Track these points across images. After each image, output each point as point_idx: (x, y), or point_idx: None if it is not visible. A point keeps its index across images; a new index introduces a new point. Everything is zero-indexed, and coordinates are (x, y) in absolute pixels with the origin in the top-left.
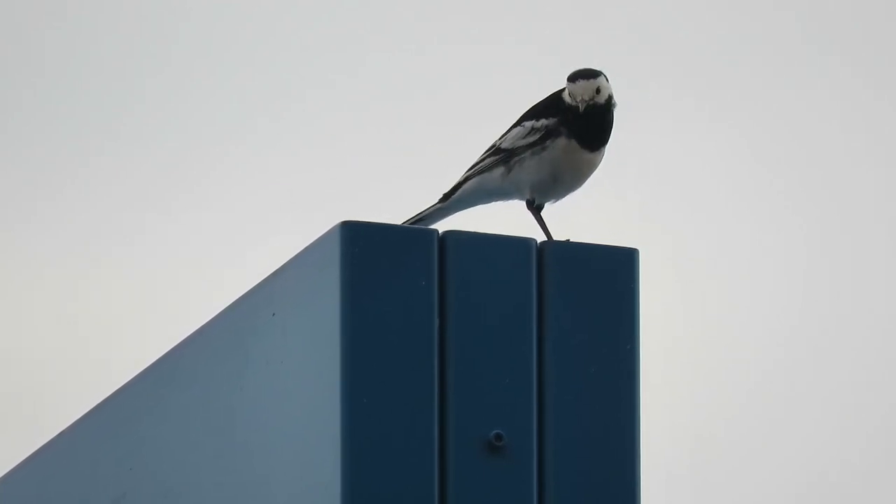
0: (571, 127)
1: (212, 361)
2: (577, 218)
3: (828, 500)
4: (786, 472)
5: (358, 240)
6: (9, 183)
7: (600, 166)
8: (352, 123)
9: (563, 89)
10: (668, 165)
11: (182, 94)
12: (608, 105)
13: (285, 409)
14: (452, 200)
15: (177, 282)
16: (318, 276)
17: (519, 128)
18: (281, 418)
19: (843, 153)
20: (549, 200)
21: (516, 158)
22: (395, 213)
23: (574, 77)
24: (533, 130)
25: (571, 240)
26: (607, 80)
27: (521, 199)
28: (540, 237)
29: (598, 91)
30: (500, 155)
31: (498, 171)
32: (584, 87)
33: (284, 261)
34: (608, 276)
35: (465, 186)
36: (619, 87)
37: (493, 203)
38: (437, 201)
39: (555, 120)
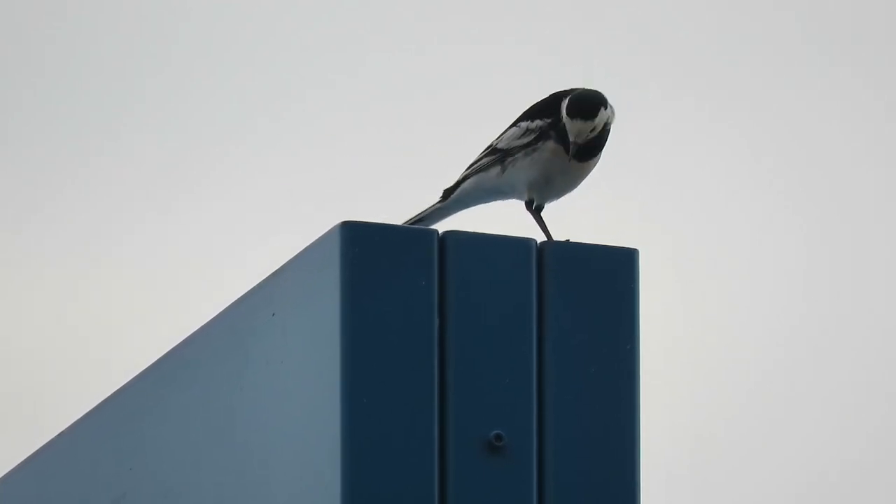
0: (563, 134)
1: (212, 361)
2: (577, 218)
3: (828, 500)
4: (786, 472)
5: (358, 240)
6: (9, 183)
7: (600, 167)
8: (352, 123)
9: (563, 92)
10: (668, 165)
11: (182, 94)
12: (604, 129)
13: (285, 409)
14: (452, 200)
15: (177, 282)
16: (318, 277)
17: (515, 128)
18: (281, 418)
19: (843, 153)
20: (546, 201)
21: (510, 158)
22: (395, 213)
23: (573, 113)
24: (528, 131)
25: (571, 240)
26: (606, 106)
27: (519, 199)
28: (540, 237)
29: (593, 129)
30: (496, 155)
31: (494, 170)
32: (580, 129)
33: (284, 261)
34: (608, 276)
35: (463, 185)
36: (618, 87)
37: (492, 203)
38: (438, 199)
39: (549, 121)
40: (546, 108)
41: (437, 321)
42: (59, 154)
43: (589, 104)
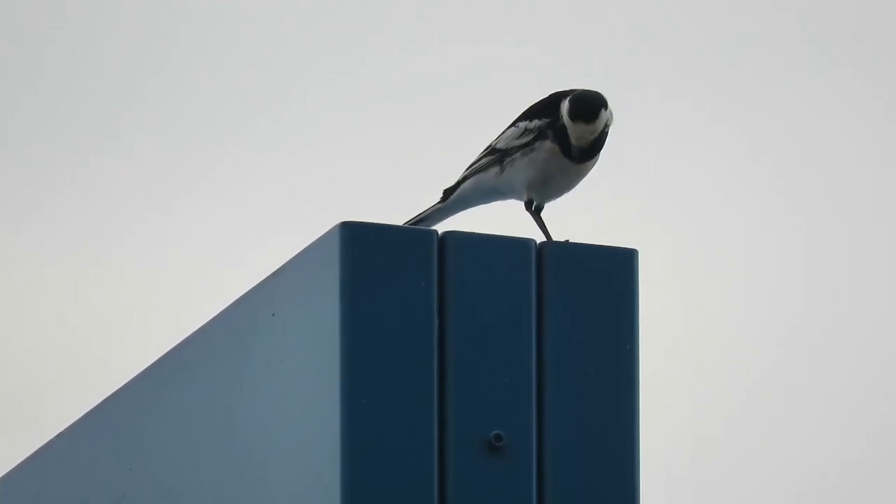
0: (560, 134)
1: (211, 361)
2: (577, 218)
3: (828, 500)
4: (786, 472)
5: (357, 240)
6: (9, 183)
7: (599, 167)
8: (352, 123)
9: (563, 92)
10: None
11: (182, 94)
12: (603, 130)
13: (285, 409)
14: (452, 200)
15: (177, 282)
16: (318, 277)
17: (514, 128)
18: (281, 418)
19: (843, 153)
20: (545, 201)
21: (509, 159)
22: (395, 213)
23: (575, 115)
24: (526, 132)
25: (571, 240)
26: (607, 107)
27: (518, 199)
28: (539, 238)
29: (594, 131)
30: (495, 155)
31: (493, 170)
32: (582, 132)
33: (284, 261)
34: (607, 276)
35: (463, 185)
36: (618, 87)
37: (492, 203)
38: (438, 199)
39: (547, 121)
40: (545, 109)
41: (436, 321)
42: (59, 154)
43: (590, 106)
